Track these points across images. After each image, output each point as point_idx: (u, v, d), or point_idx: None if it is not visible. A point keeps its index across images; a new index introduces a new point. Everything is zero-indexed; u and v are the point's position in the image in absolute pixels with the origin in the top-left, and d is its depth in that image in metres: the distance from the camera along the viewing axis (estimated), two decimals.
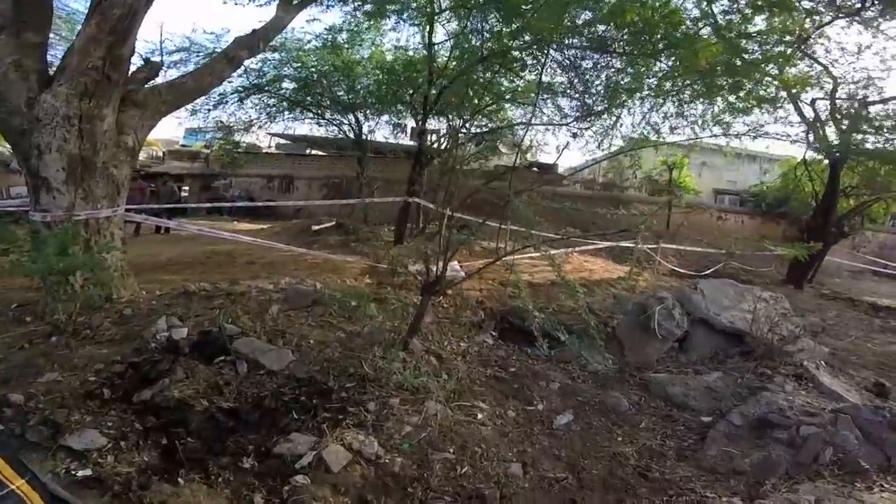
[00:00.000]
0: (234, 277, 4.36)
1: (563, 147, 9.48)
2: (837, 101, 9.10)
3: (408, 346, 3.10)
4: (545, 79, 7.98)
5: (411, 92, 8.71)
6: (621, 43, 6.62)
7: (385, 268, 4.50)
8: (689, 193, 16.18)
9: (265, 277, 4.40)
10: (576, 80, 7.81)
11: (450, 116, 9.42)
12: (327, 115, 10.94)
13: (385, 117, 11.02)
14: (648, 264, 8.64)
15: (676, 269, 8.73)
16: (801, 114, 9.17)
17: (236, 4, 6.37)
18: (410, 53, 8.79)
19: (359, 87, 9.65)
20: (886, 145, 8.74)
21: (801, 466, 2.59)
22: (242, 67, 7.66)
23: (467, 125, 9.76)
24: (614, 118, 8.45)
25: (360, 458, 2.11)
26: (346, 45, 8.85)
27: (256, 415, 2.33)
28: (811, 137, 9.18)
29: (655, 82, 7.80)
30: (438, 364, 3.23)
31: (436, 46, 7.98)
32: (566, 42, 7.05)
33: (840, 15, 8.09)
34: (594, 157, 14.17)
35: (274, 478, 1.93)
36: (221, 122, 10.44)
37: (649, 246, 8.48)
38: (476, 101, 8.37)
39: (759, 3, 6.91)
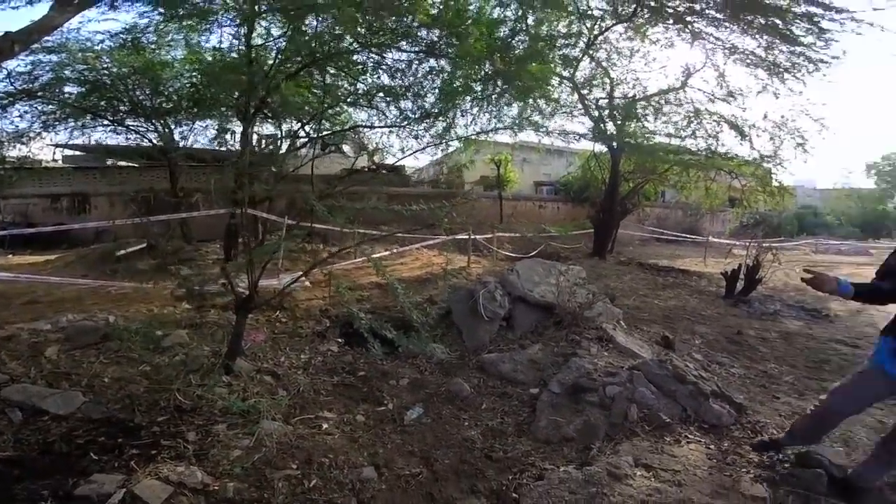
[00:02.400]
0: (6, 321, 3.53)
1: (410, 150, 9.83)
2: (615, 100, 10.98)
3: (231, 370, 2.82)
4: (387, 82, 8.17)
5: (237, 95, 8.01)
6: (445, 47, 7.13)
7: (208, 290, 4.01)
8: (514, 186, 18.26)
9: (49, 317, 3.61)
10: (413, 84, 8.17)
11: (285, 120, 8.93)
12: (127, 122, 9.42)
13: (205, 122, 9.94)
14: (487, 252, 9.50)
15: (510, 254, 9.76)
16: (588, 112, 11.02)
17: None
18: (235, 55, 8.11)
19: (170, 90, 8.60)
20: (650, 136, 11.12)
21: (616, 427, 2.80)
22: (3, 72, 6.75)
23: (305, 128, 9.38)
24: (449, 120, 9.07)
25: (184, 489, 1.92)
26: (154, 46, 7.83)
27: (46, 460, 2.10)
28: (597, 133, 11.16)
29: (481, 87, 8.62)
30: (274, 382, 3.02)
31: (263, 48, 7.52)
32: (398, 45, 7.31)
33: (617, 21, 9.73)
34: (435, 158, 15.06)
35: None
36: None
37: (485, 236, 9.32)
38: (316, 105, 8.10)
39: (535, 3, 8.00)
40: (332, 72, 8.26)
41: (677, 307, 6.30)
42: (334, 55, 7.05)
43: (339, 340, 4.05)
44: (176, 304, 4.20)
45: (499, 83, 8.46)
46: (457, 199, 4.18)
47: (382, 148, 10.72)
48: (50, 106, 8.37)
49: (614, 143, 10.99)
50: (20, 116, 8.24)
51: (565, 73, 10.52)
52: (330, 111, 8.98)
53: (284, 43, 7.48)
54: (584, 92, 11.04)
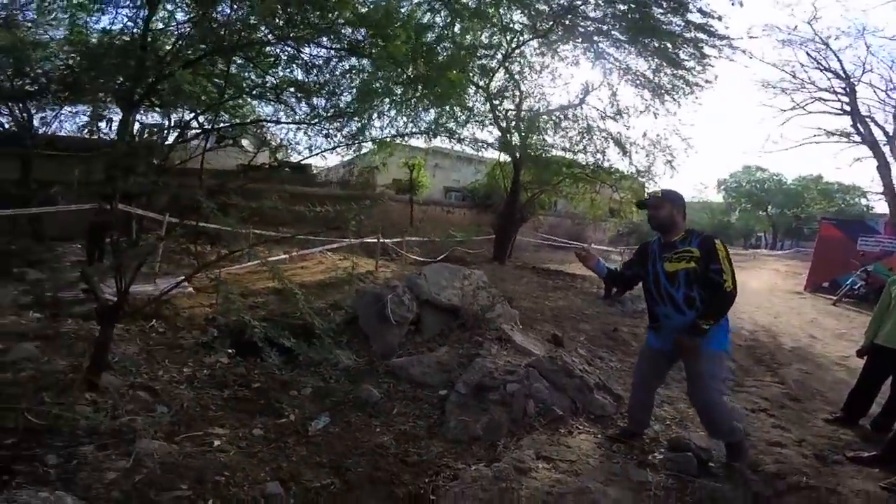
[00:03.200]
0: None
1: (319, 148, 9.43)
2: (522, 113, 11.63)
3: (96, 386, 2.45)
4: (299, 77, 7.77)
5: (121, 80, 7.04)
6: (369, 47, 6.99)
7: (63, 296, 3.44)
8: (425, 191, 18.51)
9: None
10: (328, 81, 7.87)
11: (176, 109, 8.08)
12: None
13: (75, 108, 8.62)
14: (396, 256, 9.47)
15: (418, 258, 9.84)
16: (497, 123, 11.55)
17: None
18: (127, 38, 7.14)
19: (38, 71, 7.48)
20: (548, 149, 11.96)
21: (517, 422, 2.95)
22: None
23: (199, 119, 8.55)
24: (364, 120, 8.89)
25: None
26: (30, 24, 6.90)
27: None
28: (503, 143, 11.75)
29: (402, 89, 8.59)
30: (152, 398, 2.69)
31: (163, 32, 6.75)
32: (318, 41, 7.01)
33: (534, 36, 10.27)
34: (347, 159, 14.63)
35: None
36: None
37: (394, 240, 9.29)
38: (215, 95, 7.43)
39: (460, 9, 8.22)
40: (239, 62, 7.71)
41: (565, 307, 6.87)
42: (245, 45, 6.56)
43: (230, 351, 3.72)
44: (19, 312, 3.52)
45: (419, 87, 8.52)
46: (366, 202, 4.10)
47: (287, 145, 10.16)
48: None
49: (517, 154, 11.65)
50: None
51: (481, 83, 10.93)
52: (230, 103, 8.35)
53: (189, 29, 6.82)
54: (496, 102, 11.56)
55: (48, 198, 7.26)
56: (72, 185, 8.07)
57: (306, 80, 7.75)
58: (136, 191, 6.44)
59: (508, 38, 10.43)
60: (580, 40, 10.21)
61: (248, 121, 9.22)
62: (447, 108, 9.70)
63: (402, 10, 7.85)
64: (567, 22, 9.70)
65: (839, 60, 18.47)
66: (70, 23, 7.16)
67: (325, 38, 7.03)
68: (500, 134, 11.56)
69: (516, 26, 10.26)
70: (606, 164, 11.82)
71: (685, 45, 9.53)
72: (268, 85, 8.03)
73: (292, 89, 7.88)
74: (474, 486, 2.25)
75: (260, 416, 2.90)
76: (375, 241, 8.01)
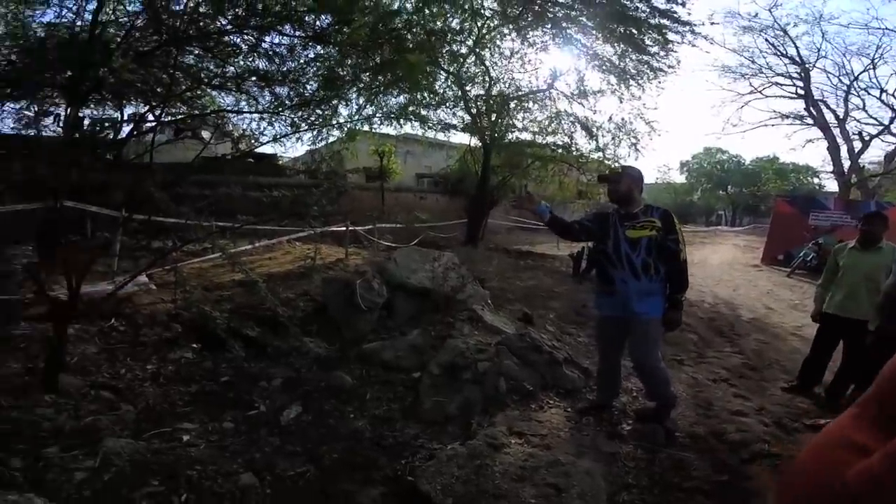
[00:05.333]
0: None
1: (282, 137, 9.18)
2: (491, 98, 11.63)
3: (56, 387, 2.37)
4: (261, 66, 7.50)
5: (67, 74, 6.64)
6: (334, 34, 6.80)
7: (12, 298, 3.29)
8: (397, 178, 18.34)
9: None
10: (292, 69, 7.64)
11: (129, 102, 7.71)
12: None
13: (17, 104, 8.05)
14: (367, 243, 9.39)
15: (390, 244, 9.79)
16: (468, 108, 11.53)
17: None
18: (73, 32, 6.70)
19: None
20: (517, 133, 12.03)
21: (490, 399, 3.01)
22: None
23: (154, 112, 8.17)
24: (331, 108, 8.67)
25: None
26: None
27: None
28: (473, 127, 11.75)
29: (369, 76, 8.41)
30: (115, 396, 2.63)
31: (112, 23, 6.39)
32: (280, 29, 6.79)
33: (505, 22, 10.23)
34: (314, 147, 14.28)
35: None
36: None
37: (365, 227, 9.21)
38: (168, 86, 7.11)
39: None
40: (196, 52, 7.39)
41: (535, 286, 7.02)
42: (200, 36, 6.29)
43: (195, 346, 3.64)
44: None
45: (386, 74, 8.37)
46: (329, 188, 4.02)
47: (250, 135, 9.85)
48: None
49: (487, 139, 11.68)
50: None
51: (451, 69, 10.83)
52: (188, 94, 8.02)
53: (142, 21, 6.50)
54: (467, 88, 11.50)
55: None
56: (14, 184, 7.63)
57: (269, 69, 7.51)
58: (87, 187, 6.17)
59: (479, 23, 10.35)
60: (549, 26, 10.23)
61: (207, 111, 8.88)
62: (416, 94, 9.58)
63: None
64: (537, 7, 9.69)
65: (796, 47, 19.27)
66: (11, 18, 6.68)
67: (287, 26, 6.81)
68: (470, 119, 11.54)
69: (487, 12, 10.20)
70: (574, 148, 12.00)
71: (650, 31, 9.68)
72: (228, 75, 7.73)
73: (254, 79, 7.62)
74: (450, 464, 2.30)
75: (230, 410, 2.86)
76: (343, 228, 7.92)
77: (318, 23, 6.87)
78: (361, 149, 13.58)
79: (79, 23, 6.37)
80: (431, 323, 4.15)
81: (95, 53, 5.86)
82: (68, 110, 6.78)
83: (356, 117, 9.33)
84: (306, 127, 8.29)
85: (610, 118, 11.82)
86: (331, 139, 10.33)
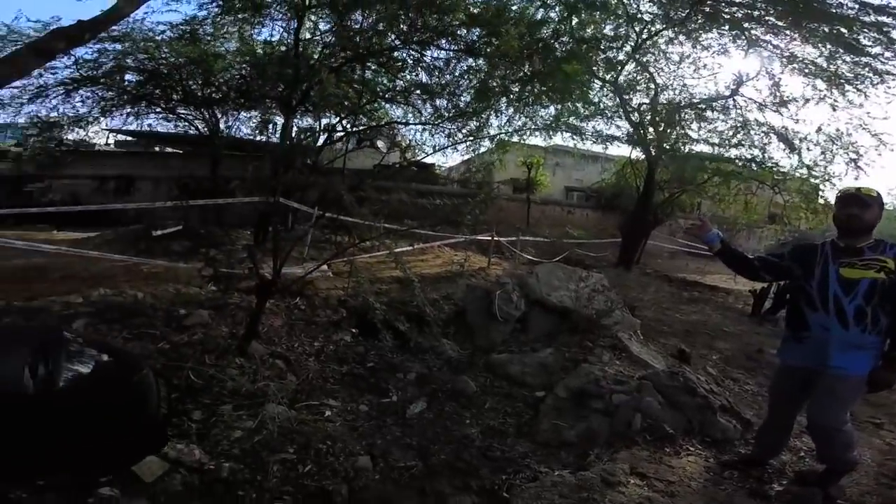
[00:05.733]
0: (40, 294, 3.70)
1: (441, 147, 9.99)
2: (658, 107, 10.71)
3: (246, 352, 2.93)
4: (423, 79, 8.32)
5: (281, 88, 8.34)
6: (483, 46, 7.21)
7: (234, 272, 4.20)
8: (544, 190, 18.04)
9: (82, 291, 3.81)
10: (449, 82, 8.29)
11: (324, 113, 9.23)
12: (178, 110, 9.98)
13: (249, 113, 10.39)
14: (510, 255, 9.46)
15: (532, 258, 9.68)
16: (628, 117, 10.77)
17: None
18: (284, 48, 8.44)
19: (220, 80, 9.01)
20: (691, 145, 10.77)
21: (617, 435, 2.78)
22: (72, 58, 7.20)
23: (343, 123, 9.59)
24: (483, 120, 9.10)
25: (180, 466, 1.97)
26: (209, 38, 8.20)
27: None
28: (636, 139, 10.87)
29: (518, 87, 8.61)
30: (286, 366, 3.12)
31: (310, 42, 7.80)
32: (438, 43, 7.45)
33: (668, 25, 9.49)
34: (468, 157, 15.08)
35: (78, 490, 1.76)
36: (38, 117, 8.83)
37: (509, 238, 9.28)
38: (355, 100, 8.33)
39: (574, 2, 7.87)
40: (372, 68, 8.45)
41: (699, 322, 6.19)
42: (377, 51, 7.23)
43: (354, 331, 4.14)
44: (202, 284, 4.39)
45: (536, 84, 8.43)
46: (479, 198, 4.19)
47: (415, 145, 10.85)
48: (110, 92, 8.86)
49: (652, 150, 10.69)
50: (82, 102, 8.82)
51: (608, 77, 10.31)
52: (367, 107, 9.19)
53: (331, 38, 7.75)
54: (626, 96, 10.78)
55: (229, 191, 8.91)
56: (246, 181, 9.75)
57: (430, 81, 8.18)
58: (293, 186, 7.58)
59: (637, 28, 9.59)
60: (727, 27, 8.93)
61: (383, 123, 10.07)
62: (568, 103, 9.31)
63: (514, 8, 7.77)
64: (707, 9, 8.57)
65: None
66: (238, 35, 8.44)
67: (443, 40, 7.36)
68: (631, 129, 10.72)
69: (646, 16, 9.40)
70: (769, 163, 10.15)
71: (864, 30, 7.71)
72: (397, 88, 8.66)
73: (418, 91, 8.38)
74: (552, 491, 2.17)
75: (368, 394, 3.18)
76: (489, 238, 8.10)
77: (469, 36, 7.23)
78: (510, 160, 13.72)
79: (288, 40, 7.70)
80: (567, 344, 3.99)
81: (301, 69, 7.12)
82: (283, 120, 8.39)
83: (506, 128, 9.50)
84: (461, 137, 8.75)
85: (819, 129, 9.67)
86: (482, 149, 10.73)
